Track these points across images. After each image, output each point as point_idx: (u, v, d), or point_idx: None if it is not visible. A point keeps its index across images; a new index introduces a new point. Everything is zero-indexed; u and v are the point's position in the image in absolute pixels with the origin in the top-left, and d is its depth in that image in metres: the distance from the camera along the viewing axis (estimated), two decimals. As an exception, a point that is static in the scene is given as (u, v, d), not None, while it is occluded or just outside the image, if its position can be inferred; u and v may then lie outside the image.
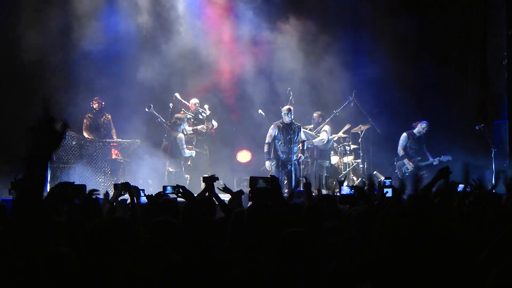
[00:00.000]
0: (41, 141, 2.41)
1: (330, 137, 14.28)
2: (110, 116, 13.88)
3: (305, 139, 13.79)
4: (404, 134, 14.25)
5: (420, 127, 14.17)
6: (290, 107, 13.50)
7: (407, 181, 7.81)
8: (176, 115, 13.82)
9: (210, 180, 6.72)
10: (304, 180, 8.40)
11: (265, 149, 13.40)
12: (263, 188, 6.24)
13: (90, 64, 14.30)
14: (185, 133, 13.95)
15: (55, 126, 2.45)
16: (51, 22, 13.90)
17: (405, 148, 14.17)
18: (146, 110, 13.68)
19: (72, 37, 14.29)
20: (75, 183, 6.13)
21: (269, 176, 6.33)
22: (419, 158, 14.06)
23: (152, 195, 6.71)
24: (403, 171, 14.03)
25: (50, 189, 4.89)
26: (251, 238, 4.10)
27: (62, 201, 5.59)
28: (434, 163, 13.79)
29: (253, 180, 6.36)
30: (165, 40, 14.98)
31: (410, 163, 13.94)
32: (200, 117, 14.49)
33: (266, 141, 13.39)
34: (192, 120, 14.41)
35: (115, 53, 14.51)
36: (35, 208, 2.36)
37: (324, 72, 15.30)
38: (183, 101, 14.50)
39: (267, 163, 13.38)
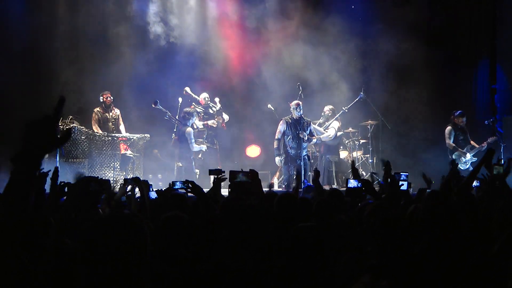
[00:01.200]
0: (36, 138, 2.36)
1: (338, 133, 14.23)
2: (119, 111, 13.88)
3: (314, 134, 13.77)
4: (449, 127, 13.90)
5: (458, 118, 13.87)
6: (299, 101, 13.48)
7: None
8: (185, 109, 13.80)
9: (219, 179, 6.72)
10: (313, 174, 8.40)
11: (275, 145, 13.39)
12: (243, 181, 6.26)
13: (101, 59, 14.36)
14: (195, 127, 13.95)
15: (55, 127, 2.41)
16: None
17: (454, 141, 13.88)
18: (153, 106, 13.68)
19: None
20: (100, 178, 6.15)
21: (248, 170, 6.31)
22: (470, 146, 13.82)
23: (161, 189, 6.72)
24: (462, 161, 13.71)
25: (72, 184, 4.86)
26: (225, 231, 4.09)
27: (86, 197, 5.60)
28: (484, 148, 13.51)
29: (232, 174, 6.38)
30: (173, 33, 14.97)
31: (467, 154, 13.67)
32: (211, 111, 14.48)
33: (276, 137, 13.39)
34: (203, 114, 14.41)
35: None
36: (18, 205, 2.31)
37: (334, 67, 15.26)
38: (193, 95, 14.50)
39: (277, 158, 13.37)
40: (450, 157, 13.77)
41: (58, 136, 2.40)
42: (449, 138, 13.86)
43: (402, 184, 6.59)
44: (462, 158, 13.66)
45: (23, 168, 2.31)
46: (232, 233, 4.49)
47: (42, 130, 2.35)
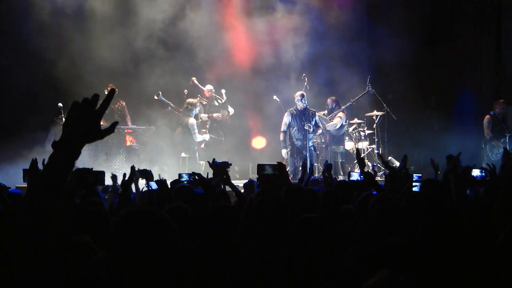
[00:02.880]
0: (77, 123, 2.33)
1: (344, 123, 14.20)
2: (124, 103, 13.87)
3: (320, 125, 13.74)
4: (488, 116, 13.68)
5: (499, 107, 13.68)
6: (303, 92, 13.46)
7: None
8: (188, 100, 13.79)
9: (223, 168, 6.71)
10: (323, 167, 8.39)
11: (281, 138, 13.38)
12: (271, 174, 6.27)
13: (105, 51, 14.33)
14: (199, 118, 13.95)
15: (98, 114, 2.37)
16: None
17: (492, 131, 13.61)
18: (155, 98, 13.69)
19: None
20: (93, 169, 6.13)
21: (276, 163, 6.31)
22: (509, 135, 13.60)
23: (163, 180, 6.72)
24: (495, 152, 13.57)
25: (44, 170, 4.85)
26: (261, 224, 4.05)
27: (81, 188, 5.59)
28: None
29: (260, 167, 6.39)
30: (179, 24, 14.94)
31: (500, 144, 13.38)
32: (216, 104, 14.46)
33: (281, 129, 13.37)
34: (208, 106, 14.40)
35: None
36: (53, 198, 2.28)
37: (339, 58, 15.23)
38: (200, 86, 14.49)
39: (283, 151, 13.36)
40: (483, 146, 13.68)
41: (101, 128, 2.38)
42: (487, 127, 13.61)
43: (416, 186, 6.56)
44: (497, 149, 13.39)
45: (63, 155, 2.27)
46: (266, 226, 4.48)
47: (88, 120, 2.32)
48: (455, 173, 5.19)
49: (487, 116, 13.72)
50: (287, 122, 13.32)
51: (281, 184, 5.93)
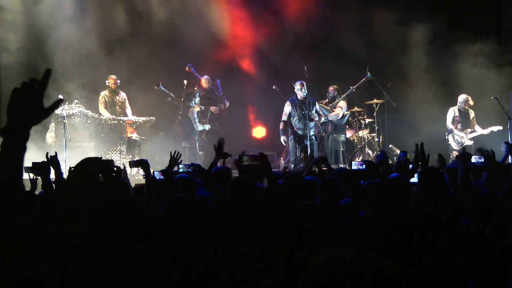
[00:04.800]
0: (20, 106, 2.37)
1: (345, 112, 14.20)
2: (125, 94, 13.88)
3: (321, 113, 13.75)
4: (451, 108, 14.23)
5: (460, 100, 14.15)
6: (303, 82, 13.46)
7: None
8: (187, 90, 13.87)
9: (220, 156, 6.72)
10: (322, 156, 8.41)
11: (280, 127, 13.40)
12: (251, 165, 6.27)
13: (104, 42, 14.33)
14: (199, 108, 13.98)
15: (38, 95, 2.41)
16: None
17: (453, 122, 14.14)
18: (155, 88, 13.73)
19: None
20: (102, 158, 6.11)
21: (258, 153, 6.30)
22: (471, 130, 13.97)
23: (167, 169, 6.72)
24: (457, 141, 13.93)
25: (75, 166, 4.83)
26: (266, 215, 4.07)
27: (87, 178, 5.58)
28: (485, 133, 13.75)
29: (241, 158, 6.40)
30: (178, 15, 14.92)
31: (463, 134, 13.92)
32: (212, 97, 14.48)
33: (282, 119, 13.38)
34: (204, 98, 14.39)
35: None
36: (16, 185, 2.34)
37: (338, 46, 15.21)
38: (196, 73, 14.48)
39: (282, 138, 13.39)
40: (446, 137, 14.26)
41: (44, 107, 2.41)
42: (449, 119, 14.22)
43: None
44: (458, 138, 14.04)
45: (12, 140, 2.31)
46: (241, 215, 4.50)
47: (27, 101, 2.36)
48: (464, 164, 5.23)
49: (451, 108, 14.24)
50: (287, 112, 13.33)
51: (262, 175, 5.94)
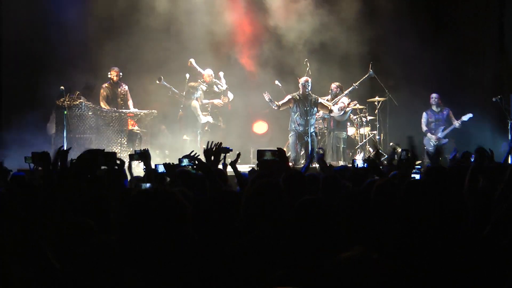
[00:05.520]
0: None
1: (347, 109, 14.19)
2: (127, 87, 13.88)
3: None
4: (424, 112, 14.60)
5: (431, 101, 14.56)
6: (307, 78, 13.46)
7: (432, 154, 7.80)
8: (189, 84, 13.89)
9: (219, 152, 6.69)
10: (321, 152, 8.40)
11: (274, 103, 13.36)
12: (270, 160, 6.28)
13: (107, 35, 14.31)
14: (201, 101, 13.99)
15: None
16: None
17: (427, 124, 14.47)
18: (157, 82, 13.73)
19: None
20: (105, 150, 6.10)
21: (276, 148, 6.31)
22: (443, 127, 14.13)
23: (170, 163, 6.71)
24: (431, 144, 14.16)
25: (79, 156, 4.81)
26: (259, 210, 4.05)
27: (90, 169, 5.58)
28: (457, 126, 13.92)
29: (260, 153, 6.41)
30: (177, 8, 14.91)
31: (433, 136, 14.16)
32: (216, 89, 14.45)
33: (278, 102, 13.38)
34: (208, 92, 14.38)
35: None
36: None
37: (342, 43, 15.17)
38: (198, 68, 14.45)
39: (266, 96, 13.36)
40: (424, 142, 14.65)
41: None
42: (423, 122, 14.70)
43: (414, 177, 6.56)
44: (431, 141, 14.45)
45: None
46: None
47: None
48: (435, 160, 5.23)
49: (424, 112, 14.67)
50: (286, 102, 13.36)
51: (281, 169, 5.94)
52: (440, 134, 14.24)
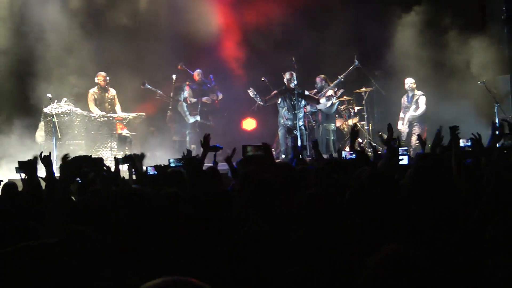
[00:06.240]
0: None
1: (334, 101, 14.23)
2: (114, 91, 13.87)
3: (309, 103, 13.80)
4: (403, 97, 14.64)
5: (406, 86, 14.53)
6: (292, 72, 13.49)
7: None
8: (176, 85, 13.95)
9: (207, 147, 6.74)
10: (311, 145, 8.44)
11: (262, 98, 13.39)
12: (255, 155, 6.30)
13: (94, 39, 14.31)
14: (189, 101, 13.99)
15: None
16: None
17: (403, 111, 14.58)
18: (142, 87, 13.73)
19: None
20: (92, 156, 6.11)
21: (261, 143, 6.33)
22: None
23: (161, 165, 6.74)
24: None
25: (66, 163, 4.81)
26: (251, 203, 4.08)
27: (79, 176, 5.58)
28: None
29: (245, 148, 6.43)
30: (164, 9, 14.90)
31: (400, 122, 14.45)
32: (205, 88, 14.46)
33: (266, 97, 13.41)
34: (197, 90, 14.39)
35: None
36: None
37: (327, 37, 15.21)
38: (188, 70, 14.46)
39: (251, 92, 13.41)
40: None
41: None
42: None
43: (402, 159, 6.61)
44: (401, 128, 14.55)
45: None
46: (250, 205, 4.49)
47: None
48: (456, 146, 5.24)
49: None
50: (273, 96, 13.40)
51: (266, 164, 5.97)
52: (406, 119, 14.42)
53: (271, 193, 4.23)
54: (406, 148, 7.75)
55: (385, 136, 6.53)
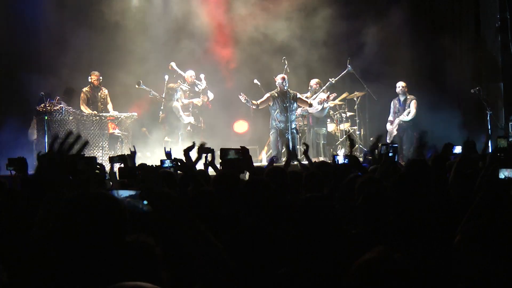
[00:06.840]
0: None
1: (325, 105, 14.23)
2: (107, 90, 13.84)
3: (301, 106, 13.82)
4: (392, 101, 14.55)
5: (397, 89, 14.41)
6: (284, 75, 13.50)
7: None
8: (169, 85, 13.85)
9: (202, 151, 6.73)
10: (304, 147, 8.46)
11: (253, 102, 13.40)
12: (234, 159, 6.30)
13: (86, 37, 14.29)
14: (181, 102, 13.98)
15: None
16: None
17: (393, 114, 14.47)
18: (136, 87, 13.70)
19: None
20: (85, 155, 6.07)
21: (239, 147, 6.32)
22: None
23: (153, 166, 6.71)
24: (389, 135, 14.25)
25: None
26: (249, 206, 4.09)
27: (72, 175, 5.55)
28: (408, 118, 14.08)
29: (223, 151, 6.42)
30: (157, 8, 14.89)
31: (391, 127, 14.45)
32: (196, 89, 14.43)
33: (257, 101, 13.40)
34: (188, 92, 14.36)
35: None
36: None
37: (320, 40, 15.25)
38: (179, 71, 14.44)
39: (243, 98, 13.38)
40: None
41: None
42: (390, 112, 14.62)
43: (391, 152, 6.62)
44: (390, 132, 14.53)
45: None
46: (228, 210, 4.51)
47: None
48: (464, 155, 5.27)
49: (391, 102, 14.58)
50: (265, 100, 13.39)
51: (244, 168, 5.98)
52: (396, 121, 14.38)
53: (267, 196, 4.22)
54: (396, 145, 7.76)
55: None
